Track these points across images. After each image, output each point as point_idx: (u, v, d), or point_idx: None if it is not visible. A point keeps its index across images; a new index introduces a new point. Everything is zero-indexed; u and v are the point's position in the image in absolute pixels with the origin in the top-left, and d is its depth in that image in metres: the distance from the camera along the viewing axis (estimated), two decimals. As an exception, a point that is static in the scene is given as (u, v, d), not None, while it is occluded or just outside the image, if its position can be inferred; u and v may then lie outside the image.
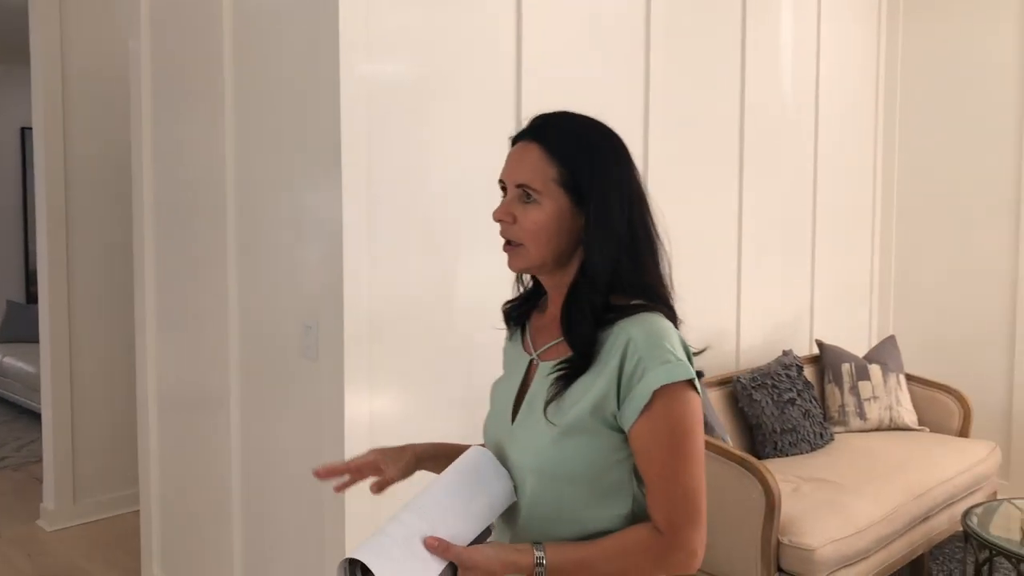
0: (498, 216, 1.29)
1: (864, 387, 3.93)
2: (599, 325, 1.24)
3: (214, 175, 2.87)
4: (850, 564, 2.90)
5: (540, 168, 1.26)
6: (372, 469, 1.42)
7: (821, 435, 3.64)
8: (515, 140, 1.33)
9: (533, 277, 1.40)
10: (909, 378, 4.07)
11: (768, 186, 4.07)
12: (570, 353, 1.27)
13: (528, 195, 1.26)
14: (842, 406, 3.91)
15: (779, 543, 2.82)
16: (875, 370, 3.97)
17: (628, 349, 1.21)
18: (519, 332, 1.43)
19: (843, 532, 2.87)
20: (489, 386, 1.48)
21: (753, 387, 3.54)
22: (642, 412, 1.20)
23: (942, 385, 4.01)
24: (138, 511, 3.45)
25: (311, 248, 2.55)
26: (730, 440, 3.30)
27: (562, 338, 1.29)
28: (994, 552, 2.87)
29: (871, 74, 4.78)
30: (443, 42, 2.67)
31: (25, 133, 7.39)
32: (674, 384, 1.20)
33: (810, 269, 4.40)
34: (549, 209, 1.26)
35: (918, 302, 4.78)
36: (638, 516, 1.27)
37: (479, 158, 2.65)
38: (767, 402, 3.53)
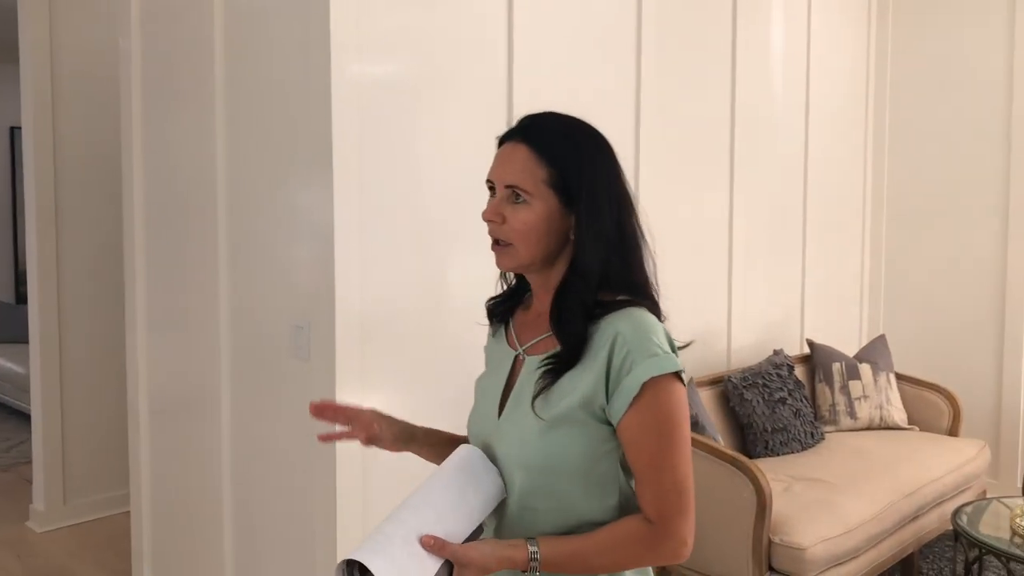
0: (487, 216, 1.30)
1: (854, 386, 3.95)
2: (588, 320, 1.26)
3: (205, 175, 2.86)
4: (841, 563, 2.91)
5: (530, 169, 1.27)
6: (365, 425, 1.43)
7: (812, 434, 3.65)
8: (503, 140, 1.34)
9: (517, 274, 1.42)
10: (899, 377, 4.09)
11: (759, 186, 4.08)
12: (557, 348, 1.28)
13: (518, 195, 1.27)
14: (833, 405, 3.93)
15: (770, 542, 2.83)
16: (865, 369, 3.98)
17: (616, 343, 1.23)
18: (503, 328, 1.44)
19: (834, 531, 2.88)
20: None
21: (744, 386, 3.55)
22: (631, 404, 1.22)
23: (932, 384, 4.03)
24: (128, 512, 3.44)
25: (302, 248, 2.55)
26: (721, 439, 3.31)
27: (549, 333, 1.31)
28: (983, 551, 2.89)
29: (861, 75, 4.80)
30: (435, 43, 2.67)
31: (15, 132, 7.35)
32: (662, 376, 1.22)
33: (801, 269, 4.41)
34: (539, 210, 1.27)
35: (908, 302, 4.80)
36: (626, 508, 1.29)
37: (471, 158, 2.65)
38: (758, 401, 3.54)
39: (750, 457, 3.46)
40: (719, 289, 3.93)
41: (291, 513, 2.63)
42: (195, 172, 2.93)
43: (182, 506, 3.12)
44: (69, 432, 4.22)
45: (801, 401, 3.68)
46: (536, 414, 1.26)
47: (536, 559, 1.20)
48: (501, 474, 1.30)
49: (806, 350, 4.22)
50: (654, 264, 1.34)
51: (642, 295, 1.30)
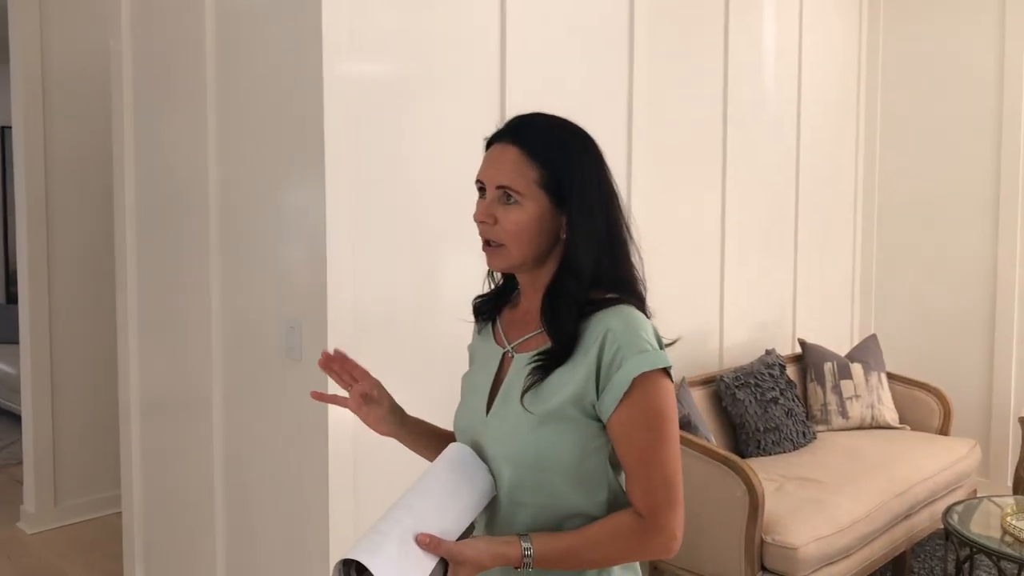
0: (479, 218, 1.31)
1: (846, 386, 3.96)
2: (579, 318, 1.28)
3: (196, 175, 2.86)
4: (833, 562, 2.92)
5: (521, 170, 1.29)
6: (363, 392, 1.44)
7: (804, 434, 3.66)
8: (492, 141, 1.35)
9: (504, 273, 1.43)
10: (890, 377, 4.10)
11: (751, 186, 4.09)
12: (547, 345, 1.30)
13: (509, 196, 1.28)
14: (824, 405, 3.94)
15: (763, 542, 2.84)
16: (857, 369, 4.00)
17: (607, 339, 1.24)
18: (489, 326, 1.45)
19: (826, 530, 2.89)
20: None
21: (736, 386, 3.56)
22: (621, 400, 1.23)
23: (923, 384, 4.05)
24: (120, 513, 3.43)
25: (294, 248, 2.54)
26: (714, 439, 3.32)
27: (538, 331, 1.33)
28: (974, 550, 2.90)
29: (852, 75, 4.82)
30: (427, 42, 2.67)
31: (5, 132, 7.32)
32: (651, 372, 1.24)
33: (792, 269, 4.43)
34: (531, 210, 1.28)
35: (899, 301, 4.82)
36: (615, 503, 1.31)
37: (463, 158, 2.65)
38: (750, 401, 3.55)
39: (742, 457, 3.47)
40: (711, 289, 3.94)
41: (283, 513, 2.63)
42: (187, 171, 2.92)
43: (174, 507, 3.11)
44: (60, 433, 4.21)
45: (793, 401, 3.69)
46: (526, 409, 1.27)
47: (529, 555, 1.21)
48: (490, 470, 1.31)
49: (798, 350, 4.24)
50: (641, 262, 1.36)
51: (630, 293, 1.32)
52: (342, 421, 2.44)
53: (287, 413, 2.57)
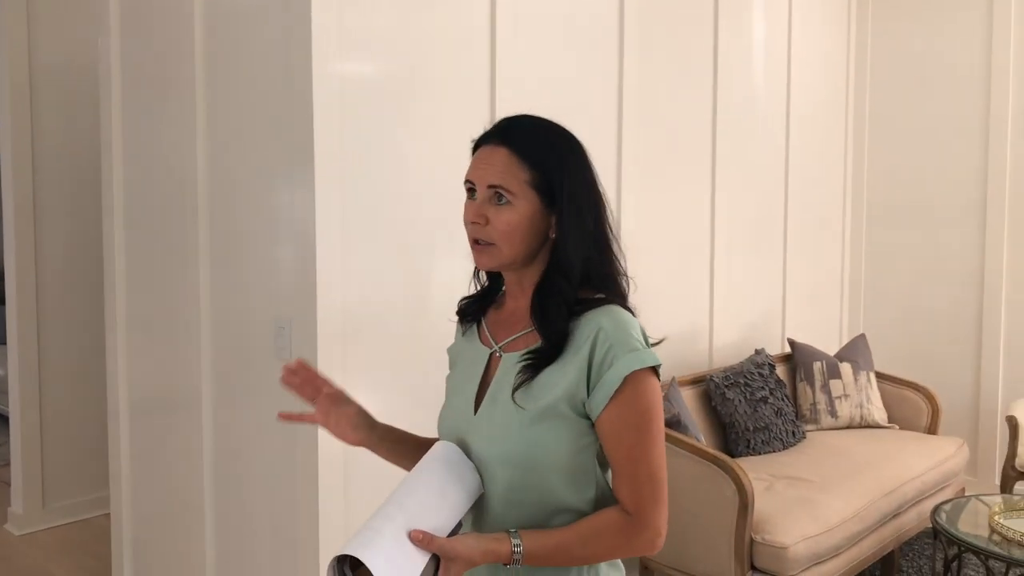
0: (472, 218, 1.32)
1: (835, 385, 3.97)
2: (569, 317, 1.30)
3: (186, 174, 2.84)
4: (822, 561, 2.93)
5: (513, 170, 1.30)
6: (328, 403, 1.45)
7: (793, 433, 3.67)
8: (480, 143, 1.36)
9: (489, 274, 1.44)
10: (879, 376, 4.12)
11: (740, 186, 4.10)
12: (536, 344, 1.31)
13: (501, 196, 1.30)
14: (814, 404, 3.95)
15: (752, 541, 2.85)
16: (846, 368, 4.01)
17: (598, 338, 1.26)
18: (474, 327, 1.46)
19: (815, 529, 2.89)
20: None
21: (726, 386, 3.57)
22: (612, 398, 1.25)
23: (911, 383, 4.07)
24: (108, 514, 3.41)
25: (284, 248, 2.54)
26: (703, 439, 3.33)
27: (525, 331, 1.35)
28: (962, 548, 2.91)
29: (841, 76, 4.84)
30: (417, 42, 2.67)
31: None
32: (641, 370, 1.26)
33: (782, 268, 4.44)
34: (523, 210, 1.30)
35: (887, 301, 4.84)
36: (602, 501, 1.32)
37: (453, 158, 2.64)
38: (740, 400, 3.56)
39: (732, 456, 3.47)
40: (701, 289, 3.95)
41: (273, 514, 2.62)
42: (176, 171, 2.91)
43: (163, 508, 3.09)
44: (48, 434, 4.18)
45: (782, 400, 3.70)
46: (518, 405, 1.28)
47: (519, 552, 1.23)
48: (477, 469, 1.32)
49: (787, 349, 4.25)
50: (624, 262, 1.38)
51: (615, 292, 1.34)
52: (332, 422, 2.43)
53: (276, 413, 2.55)
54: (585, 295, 1.32)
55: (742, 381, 3.61)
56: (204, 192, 2.79)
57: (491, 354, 1.39)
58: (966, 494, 3.67)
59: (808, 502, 3.02)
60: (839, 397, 3.95)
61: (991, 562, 2.89)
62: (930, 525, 3.17)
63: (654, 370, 1.28)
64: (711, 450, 2.97)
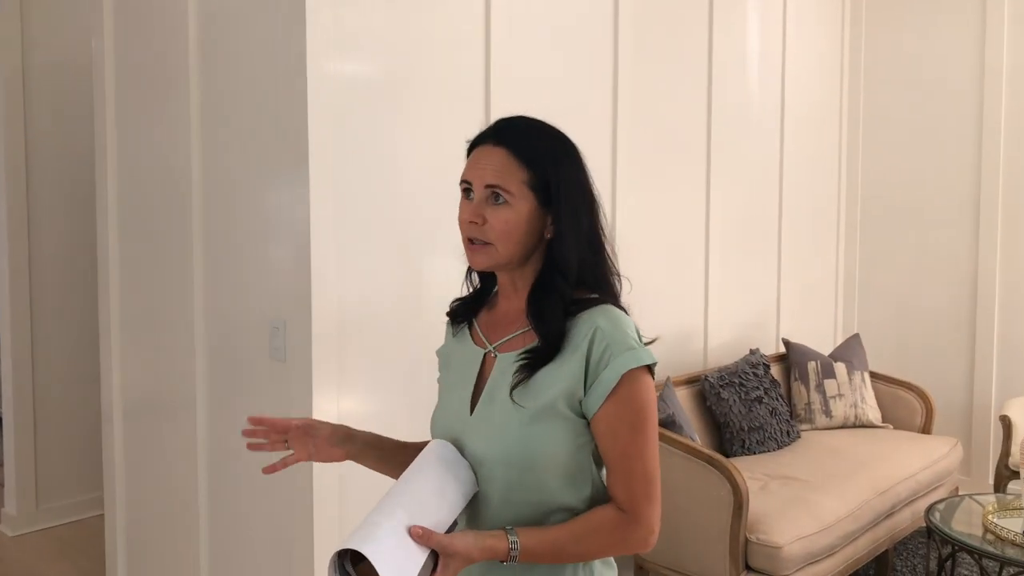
0: (470, 217, 1.32)
1: (830, 385, 3.98)
2: (566, 316, 1.32)
3: (180, 174, 2.84)
4: (817, 561, 2.93)
5: (511, 170, 1.31)
6: (300, 437, 1.44)
7: (788, 433, 3.68)
8: (476, 143, 1.37)
9: (481, 275, 1.46)
10: (873, 376, 4.13)
11: (735, 187, 4.11)
12: (532, 344, 1.32)
13: (498, 196, 1.31)
14: (808, 404, 3.96)
15: (747, 540, 2.85)
16: (840, 368, 4.02)
17: (596, 337, 1.28)
18: (466, 328, 1.47)
19: (810, 529, 2.90)
20: None
21: (721, 386, 3.57)
22: (608, 396, 1.27)
23: (905, 383, 4.08)
24: (102, 515, 3.40)
25: (279, 248, 2.53)
26: (698, 439, 3.33)
27: (520, 331, 1.36)
28: (956, 547, 2.92)
29: (835, 77, 4.85)
30: (412, 42, 2.66)
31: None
32: (637, 368, 1.28)
33: (776, 268, 4.45)
34: (521, 210, 1.31)
35: (882, 301, 4.85)
36: (597, 499, 1.33)
37: (448, 158, 2.64)
38: (735, 400, 3.56)
39: (727, 456, 3.48)
40: (696, 289, 3.95)
41: (268, 515, 2.62)
42: (170, 171, 2.90)
43: (157, 509, 3.09)
44: (42, 435, 4.17)
45: (777, 400, 3.71)
46: (516, 403, 1.29)
47: (516, 549, 1.24)
48: (472, 468, 1.33)
49: (782, 349, 4.26)
50: (616, 262, 1.40)
51: (608, 292, 1.36)
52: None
53: (271, 414, 2.55)
54: (579, 295, 1.33)
55: (737, 381, 3.62)
56: (198, 192, 2.78)
57: (485, 355, 1.40)
58: (960, 493, 3.68)
59: (803, 502, 3.03)
60: (833, 397, 3.96)
61: (985, 561, 2.90)
62: (924, 524, 3.18)
63: (649, 368, 1.30)
64: (706, 450, 2.97)
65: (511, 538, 1.24)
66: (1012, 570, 2.82)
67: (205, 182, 2.77)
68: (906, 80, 4.74)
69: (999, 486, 3.87)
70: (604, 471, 1.34)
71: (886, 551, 3.45)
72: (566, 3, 3.19)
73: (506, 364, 1.34)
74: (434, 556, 1.19)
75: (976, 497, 3.28)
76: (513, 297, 1.39)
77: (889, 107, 4.80)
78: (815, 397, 3.96)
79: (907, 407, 4.02)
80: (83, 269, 4.18)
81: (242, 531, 2.73)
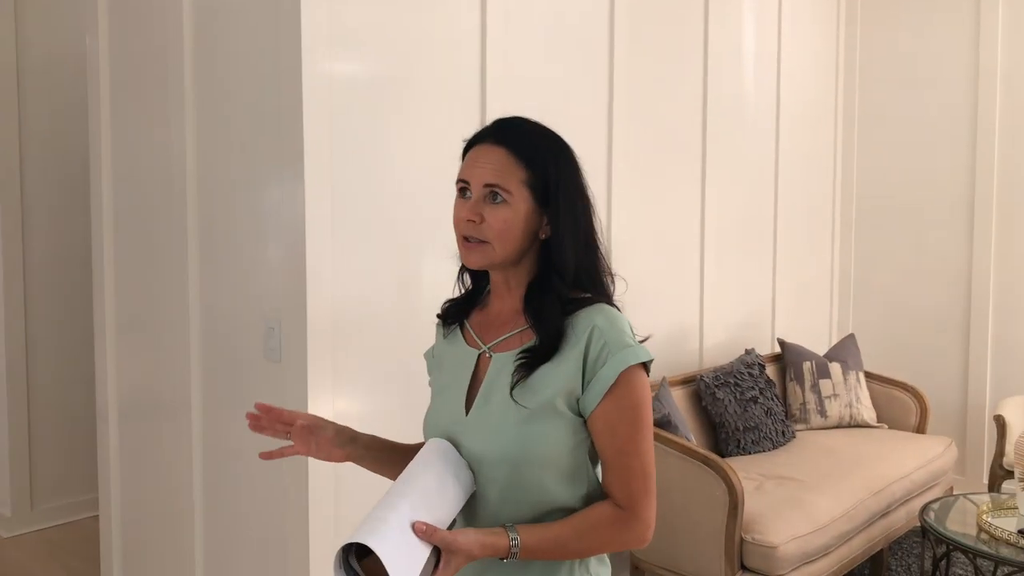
0: (468, 215, 1.33)
1: (825, 385, 3.99)
2: (564, 315, 1.33)
3: (175, 174, 2.83)
4: (812, 560, 2.94)
5: (509, 169, 1.32)
6: (303, 433, 1.44)
7: (783, 433, 3.68)
8: (474, 142, 1.38)
9: (472, 276, 1.46)
10: (868, 376, 4.14)
11: (730, 186, 4.11)
12: (528, 343, 1.33)
13: (496, 196, 1.32)
14: (803, 404, 3.97)
15: (742, 540, 2.85)
16: (835, 368, 4.03)
17: (593, 336, 1.29)
18: (457, 329, 1.47)
19: (805, 529, 2.90)
20: None
21: (716, 386, 3.58)
22: (606, 394, 1.28)
23: (900, 383, 4.09)
24: (97, 516, 3.39)
25: (274, 248, 2.53)
26: (694, 439, 3.33)
27: (515, 331, 1.37)
28: (951, 547, 2.93)
29: (830, 77, 4.85)
30: (408, 40, 2.66)
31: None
32: (634, 366, 1.29)
33: (771, 269, 4.45)
34: (520, 209, 1.32)
35: (876, 301, 4.86)
36: (592, 496, 1.35)
37: (444, 158, 2.64)
38: (730, 400, 3.57)
39: (722, 456, 3.48)
40: (691, 289, 3.96)
41: (263, 516, 2.61)
42: (165, 171, 2.89)
43: (152, 510, 3.08)
44: (36, 435, 4.16)
45: (772, 400, 3.71)
46: (517, 403, 1.30)
47: (516, 546, 1.24)
48: (469, 467, 1.34)
49: (777, 349, 4.26)
50: (608, 261, 1.41)
51: (602, 292, 1.37)
52: (322, 422, 2.43)
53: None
54: (574, 294, 1.34)
55: (732, 381, 3.62)
56: (193, 191, 2.78)
57: (479, 355, 1.40)
58: (954, 493, 3.69)
59: (798, 501, 3.03)
60: (829, 397, 3.97)
61: (979, 560, 2.91)
62: (919, 524, 3.19)
63: (644, 366, 1.31)
64: (701, 450, 2.98)
65: (512, 535, 1.24)
66: (1007, 569, 2.83)
67: (200, 181, 2.77)
68: (901, 79, 4.75)
69: (993, 486, 3.88)
70: (599, 468, 1.35)
71: (881, 551, 3.46)
72: (562, 2, 3.19)
73: (502, 364, 1.35)
74: (436, 552, 1.19)
75: (970, 497, 3.29)
76: (507, 297, 1.39)
77: (884, 106, 4.81)
78: (810, 397, 3.97)
79: (902, 407, 4.03)
80: (77, 268, 4.17)
81: (237, 532, 2.72)
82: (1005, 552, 2.80)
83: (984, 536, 2.92)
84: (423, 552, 1.17)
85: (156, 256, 2.97)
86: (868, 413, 3.99)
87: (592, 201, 1.39)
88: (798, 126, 4.56)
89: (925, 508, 3.14)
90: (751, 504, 2.94)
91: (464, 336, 1.45)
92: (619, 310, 1.36)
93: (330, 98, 2.44)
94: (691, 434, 3.31)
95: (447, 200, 1.43)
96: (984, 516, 3.01)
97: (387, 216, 2.62)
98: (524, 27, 3.02)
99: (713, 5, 3.91)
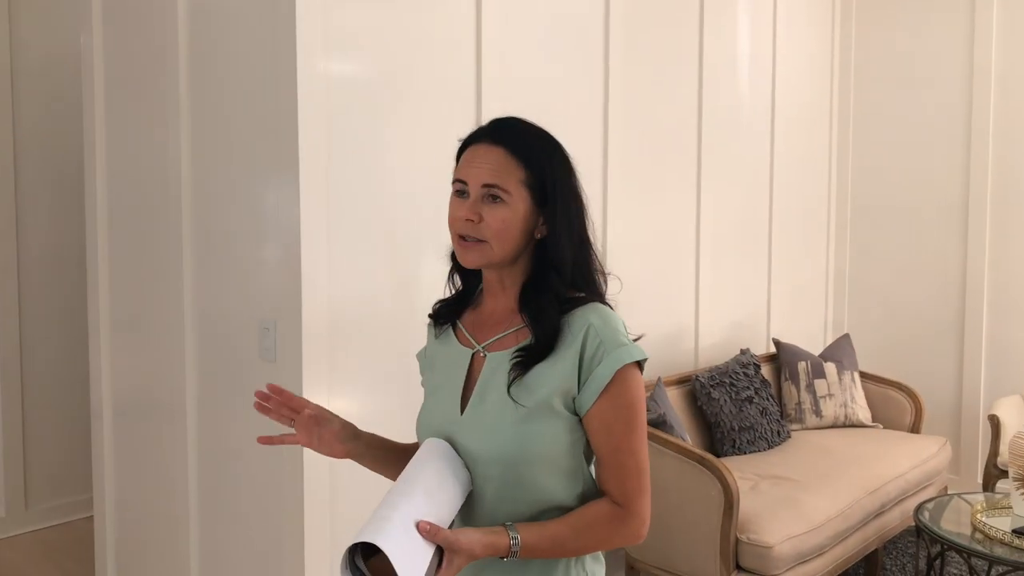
0: (467, 215, 1.33)
1: (820, 385, 4.00)
2: (560, 314, 1.34)
3: (170, 174, 2.83)
4: (807, 560, 2.94)
5: (509, 170, 1.33)
6: (307, 423, 1.43)
7: (778, 433, 3.69)
8: (469, 142, 1.39)
9: (463, 277, 1.47)
10: (863, 376, 4.15)
11: (726, 187, 4.12)
12: (522, 342, 1.34)
13: (496, 196, 1.32)
14: (798, 404, 3.97)
15: (738, 540, 2.86)
16: (830, 368, 4.03)
17: (589, 334, 1.30)
18: (450, 330, 1.47)
19: (800, 528, 2.91)
20: None
21: (712, 385, 3.58)
22: (603, 392, 1.29)
23: (895, 382, 4.10)
24: (92, 517, 3.39)
25: (269, 248, 2.52)
26: (689, 438, 3.34)
27: (509, 330, 1.37)
28: (945, 546, 2.94)
29: (825, 78, 4.86)
30: (403, 40, 2.66)
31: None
32: (629, 364, 1.30)
33: (767, 269, 4.46)
34: (518, 209, 1.33)
35: (871, 301, 4.87)
36: (587, 494, 1.36)
37: (440, 158, 2.64)
38: (725, 400, 3.57)
39: (717, 456, 3.49)
40: (686, 289, 3.96)
41: (258, 517, 2.61)
42: (160, 171, 2.89)
43: (147, 511, 3.07)
44: (31, 436, 4.15)
45: (768, 400, 3.72)
46: (515, 401, 1.30)
47: (517, 545, 1.25)
48: (466, 466, 1.34)
49: (772, 349, 4.27)
50: (602, 261, 1.42)
51: (595, 291, 1.38)
52: (317, 423, 2.42)
53: (261, 415, 2.54)
54: (569, 293, 1.35)
55: (727, 381, 3.62)
56: (188, 191, 2.77)
57: (473, 354, 1.40)
58: (949, 492, 3.70)
59: (793, 501, 3.03)
60: (824, 397, 3.97)
61: (973, 560, 2.91)
62: (913, 523, 3.19)
63: (638, 364, 1.32)
64: (696, 450, 2.98)
65: (512, 534, 1.25)
66: (1000, 569, 2.83)
67: (195, 180, 2.76)
68: (896, 80, 4.76)
69: (988, 485, 3.89)
70: (592, 466, 1.36)
71: (876, 550, 3.47)
72: (557, 4, 3.19)
73: (497, 363, 1.35)
74: (438, 552, 1.20)
75: (965, 496, 3.30)
76: (501, 296, 1.40)
77: (879, 107, 4.82)
78: (805, 397, 3.97)
79: (897, 407, 4.04)
80: (72, 267, 4.15)
81: (233, 532, 2.72)
82: (999, 552, 2.81)
83: (978, 536, 2.93)
84: (427, 551, 1.18)
85: (151, 255, 2.97)
86: (863, 413, 4.00)
87: (585, 201, 1.40)
88: (793, 127, 4.57)
89: (920, 508, 3.15)
90: (746, 504, 2.95)
91: (457, 336, 1.45)
92: (612, 309, 1.37)
93: (326, 99, 2.44)
94: (686, 434, 3.32)
95: (443, 200, 1.44)
96: (978, 516, 3.02)
97: (383, 216, 2.62)
98: (520, 29, 3.02)
99: (709, 6, 3.92)
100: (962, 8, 4.50)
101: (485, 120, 1.41)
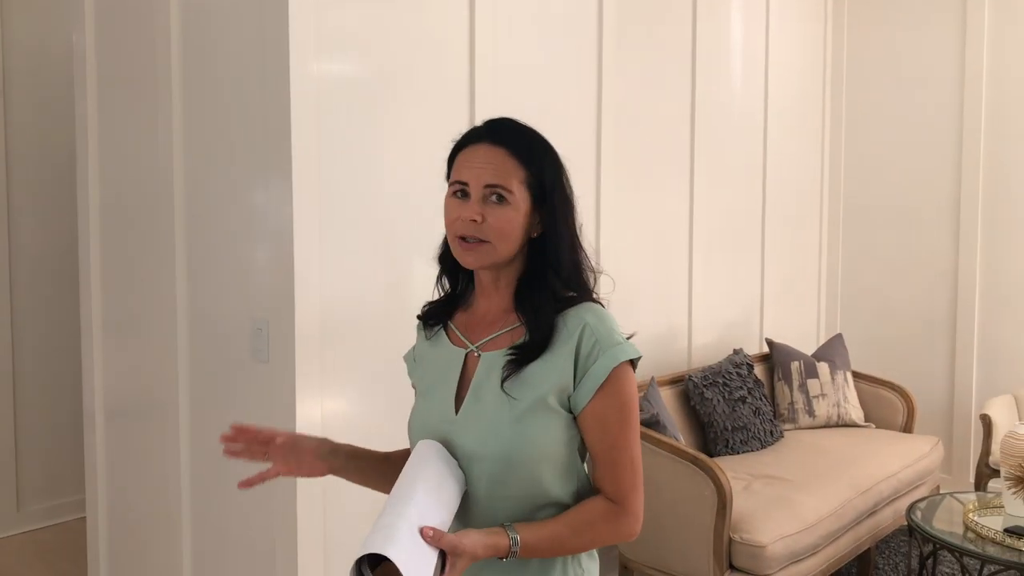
0: (470, 215, 1.32)
1: (813, 385, 4.00)
2: (555, 313, 1.34)
3: (162, 174, 2.82)
4: (800, 560, 2.95)
5: (511, 170, 1.33)
6: (281, 452, 1.42)
7: (771, 432, 3.70)
8: (466, 143, 1.38)
9: (452, 278, 1.47)
10: (856, 375, 4.16)
11: (718, 186, 4.12)
12: (517, 341, 1.34)
13: (499, 196, 1.32)
14: (791, 403, 3.98)
15: (731, 540, 2.86)
16: (823, 368, 4.04)
17: (584, 333, 1.31)
18: (441, 330, 1.47)
19: (793, 528, 2.91)
20: None
21: (705, 385, 3.59)
22: (598, 390, 1.30)
23: (887, 382, 4.11)
24: (84, 518, 3.38)
25: (261, 249, 2.52)
26: (682, 438, 3.34)
27: (503, 330, 1.37)
28: (937, 546, 2.94)
29: (818, 77, 4.87)
30: (396, 40, 2.66)
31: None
32: (623, 362, 1.31)
33: (760, 268, 4.47)
34: (522, 208, 1.33)
35: (864, 301, 4.89)
36: (582, 492, 1.36)
37: (433, 158, 2.63)
38: (718, 400, 3.57)
39: (711, 455, 3.49)
40: (680, 288, 3.96)
41: (251, 517, 2.60)
42: (152, 171, 2.88)
43: (139, 512, 3.07)
44: (23, 437, 4.13)
45: (761, 400, 3.72)
46: (511, 396, 1.31)
47: (516, 545, 1.25)
48: (461, 467, 1.34)
49: (765, 349, 4.28)
50: (593, 259, 1.43)
51: (587, 291, 1.39)
52: (310, 424, 2.42)
53: (254, 415, 2.54)
54: (565, 293, 1.36)
55: (720, 381, 3.63)
56: (180, 192, 2.77)
57: (467, 354, 1.40)
58: (941, 492, 3.71)
59: (786, 501, 3.04)
60: (816, 396, 3.98)
61: (965, 559, 2.92)
62: (906, 523, 3.20)
63: (631, 363, 1.33)
64: (690, 450, 2.98)
65: (511, 535, 1.25)
66: (992, 568, 2.84)
67: (187, 181, 2.75)
68: (888, 78, 4.77)
69: (980, 484, 3.90)
70: (586, 464, 1.37)
71: (868, 550, 3.47)
72: (551, 3, 3.19)
73: (491, 362, 1.35)
74: (441, 555, 1.20)
75: (957, 495, 3.31)
76: (494, 296, 1.40)
77: (871, 106, 4.83)
78: (798, 397, 3.98)
79: (889, 406, 4.05)
80: (64, 269, 4.14)
81: (225, 532, 2.71)
82: (991, 551, 2.82)
83: (971, 535, 2.94)
84: (432, 556, 1.18)
85: (143, 256, 2.96)
86: (856, 413, 4.01)
87: (575, 201, 1.41)
88: (786, 126, 4.58)
89: (912, 507, 3.16)
90: (739, 504, 2.95)
91: (449, 336, 1.45)
92: (604, 307, 1.37)
93: (318, 98, 2.43)
94: (679, 434, 3.32)
95: (436, 201, 1.43)
96: (970, 515, 3.03)
97: (376, 217, 2.62)
98: (513, 27, 3.02)
99: (701, 4, 3.92)
100: (954, 7, 4.52)
101: (479, 120, 1.41)
